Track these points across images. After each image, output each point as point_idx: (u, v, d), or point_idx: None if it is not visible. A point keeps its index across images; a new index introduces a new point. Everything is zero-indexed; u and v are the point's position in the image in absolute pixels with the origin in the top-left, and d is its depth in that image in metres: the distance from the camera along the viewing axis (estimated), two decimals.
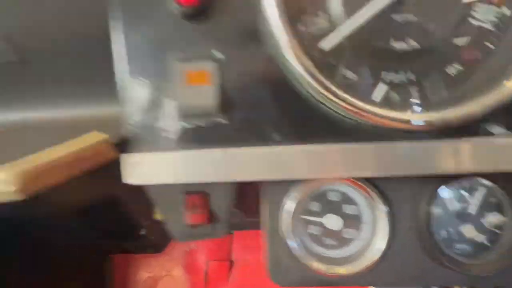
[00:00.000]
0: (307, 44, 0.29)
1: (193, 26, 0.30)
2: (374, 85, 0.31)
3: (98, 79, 0.37)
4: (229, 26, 0.30)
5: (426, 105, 0.30)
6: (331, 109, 0.30)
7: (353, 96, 0.29)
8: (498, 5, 0.30)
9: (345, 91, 0.29)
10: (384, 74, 0.31)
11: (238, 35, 0.30)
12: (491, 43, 0.30)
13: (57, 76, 0.41)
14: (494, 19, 0.30)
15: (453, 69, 0.31)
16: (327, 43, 0.29)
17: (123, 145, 0.31)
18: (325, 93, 0.29)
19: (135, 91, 0.31)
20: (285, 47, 0.29)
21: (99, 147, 0.28)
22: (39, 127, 0.40)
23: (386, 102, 0.31)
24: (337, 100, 0.29)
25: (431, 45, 0.30)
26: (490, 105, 0.28)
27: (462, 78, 0.30)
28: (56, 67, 0.40)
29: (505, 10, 0.30)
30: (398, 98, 0.31)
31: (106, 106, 0.38)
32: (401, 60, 0.31)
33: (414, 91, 0.31)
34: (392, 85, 0.31)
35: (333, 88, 0.29)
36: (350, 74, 0.31)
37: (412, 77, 0.31)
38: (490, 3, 0.30)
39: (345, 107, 0.29)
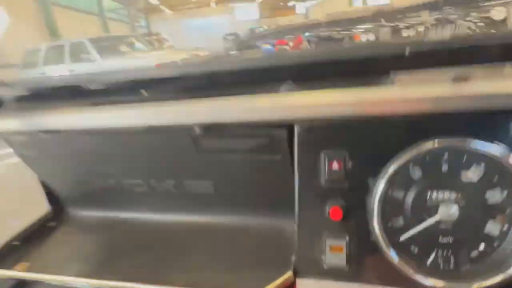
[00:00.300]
0: (392, 234, 0.58)
1: (336, 224, 0.60)
2: (429, 254, 0.59)
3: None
4: (353, 226, 0.60)
5: (459, 273, 0.57)
6: None
7: (412, 266, 0.57)
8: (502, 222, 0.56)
9: (412, 265, 0.57)
10: (435, 248, 0.58)
11: (357, 230, 0.60)
12: (495, 244, 0.56)
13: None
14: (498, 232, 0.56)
15: (475, 253, 0.57)
16: (403, 237, 0.58)
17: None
18: (399, 266, 0.58)
19: (305, 245, 0.63)
20: (379, 237, 0.58)
21: (289, 279, 0.61)
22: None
23: (434, 265, 0.58)
24: (404, 272, 0.58)
25: (463, 239, 0.57)
26: (503, 280, 0.54)
27: (480, 260, 0.57)
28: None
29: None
30: (442, 262, 0.58)
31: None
32: (445, 244, 0.58)
33: (452, 261, 0.58)
34: (438, 255, 0.58)
35: (404, 264, 0.57)
36: (414, 248, 0.59)
37: (450, 253, 0.58)
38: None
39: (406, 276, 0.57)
